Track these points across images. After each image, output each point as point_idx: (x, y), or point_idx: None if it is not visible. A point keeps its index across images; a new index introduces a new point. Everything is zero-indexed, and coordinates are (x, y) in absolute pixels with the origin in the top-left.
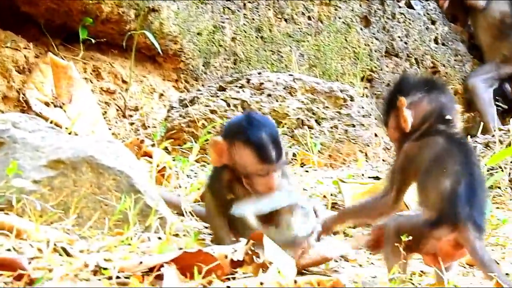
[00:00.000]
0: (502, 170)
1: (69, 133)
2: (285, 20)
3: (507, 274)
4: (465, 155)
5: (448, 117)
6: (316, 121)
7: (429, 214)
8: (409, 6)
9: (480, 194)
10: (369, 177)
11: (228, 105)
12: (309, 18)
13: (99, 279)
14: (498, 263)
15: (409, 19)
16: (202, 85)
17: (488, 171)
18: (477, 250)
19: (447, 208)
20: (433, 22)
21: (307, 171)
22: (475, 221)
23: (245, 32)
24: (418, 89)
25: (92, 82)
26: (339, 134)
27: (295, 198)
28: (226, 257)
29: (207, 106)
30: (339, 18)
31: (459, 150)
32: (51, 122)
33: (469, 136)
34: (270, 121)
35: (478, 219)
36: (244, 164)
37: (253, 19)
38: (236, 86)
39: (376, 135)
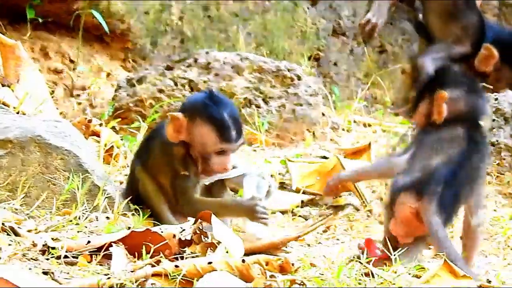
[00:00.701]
0: None
1: (17, 113)
2: None
3: None
4: (470, 153)
5: (479, 122)
6: (263, 100)
7: (407, 180)
8: None
9: (460, 186)
10: (316, 156)
11: (176, 84)
12: None
13: (47, 259)
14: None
15: None
16: (150, 65)
17: None
18: (432, 224)
19: (422, 179)
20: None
21: (254, 150)
22: (443, 201)
23: (192, 11)
24: (459, 86)
25: (39, 62)
26: (287, 113)
27: (245, 169)
28: (174, 236)
29: (154, 85)
30: None
31: (469, 146)
32: None
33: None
34: (230, 100)
35: (446, 201)
36: (203, 142)
37: None
38: (184, 65)
39: (323, 114)
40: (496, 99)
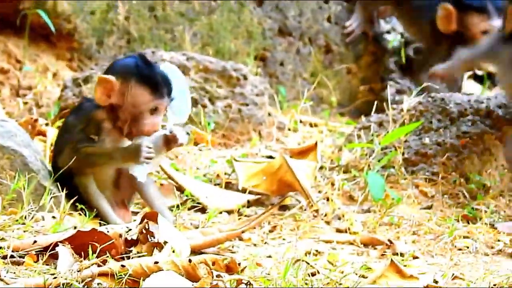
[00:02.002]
0: (396, 150)
1: None
2: None
3: (401, 254)
4: None
5: None
6: (209, 100)
7: None
8: None
9: None
10: (262, 156)
11: None
12: None
13: None
14: (392, 242)
15: None
16: (96, 64)
17: (382, 150)
18: None
19: None
20: (326, 1)
21: (201, 150)
22: None
23: (139, 11)
24: None
25: None
26: (233, 113)
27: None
28: (120, 236)
29: None
30: None
31: None
32: None
33: (362, 116)
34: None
35: None
36: (137, 101)
37: None
38: None
39: (269, 114)
40: (442, 99)
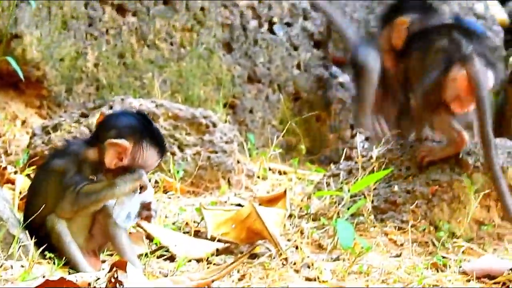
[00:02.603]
0: (365, 197)
1: None
2: (148, 46)
3: None
4: None
5: None
6: (179, 147)
7: None
8: (272, 32)
9: None
10: (231, 204)
11: (91, 131)
12: (171, 44)
13: None
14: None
15: (272, 45)
16: (65, 112)
17: (351, 198)
18: None
19: None
20: (296, 48)
21: (170, 198)
22: None
23: (108, 58)
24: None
25: None
26: (202, 161)
27: None
28: (89, 284)
29: (69, 132)
30: (202, 44)
31: None
32: None
33: (332, 164)
34: None
35: None
36: (146, 163)
37: (116, 45)
38: (99, 113)
39: (238, 161)
40: (411, 146)
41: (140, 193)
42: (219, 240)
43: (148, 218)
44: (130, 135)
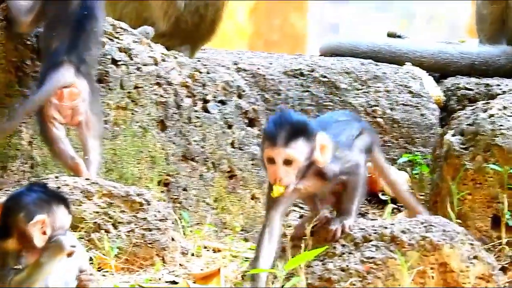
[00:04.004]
0: (300, 274)
1: None
2: None
3: None
4: None
5: None
6: (113, 225)
7: None
8: (206, 110)
9: None
10: (166, 282)
11: None
12: (105, 122)
13: None
14: None
15: (206, 123)
16: (0, 189)
17: (285, 276)
18: None
19: None
20: (230, 126)
21: (104, 275)
22: None
23: None
24: None
25: None
26: (136, 238)
27: None
28: None
29: None
30: (136, 122)
31: None
32: None
33: None
34: None
35: None
36: (62, 223)
37: None
38: None
39: (173, 239)
40: (348, 225)
41: (69, 257)
42: None
43: (86, 282)
44: (38, 208)
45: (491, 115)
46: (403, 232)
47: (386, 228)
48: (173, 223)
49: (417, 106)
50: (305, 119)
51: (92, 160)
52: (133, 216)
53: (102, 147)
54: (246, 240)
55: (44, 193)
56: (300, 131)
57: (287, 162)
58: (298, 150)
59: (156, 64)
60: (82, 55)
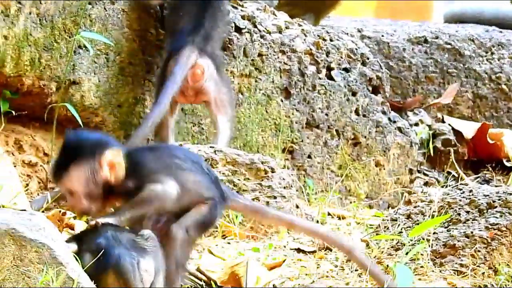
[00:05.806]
0: (425, 241)
1: None
2: None
3: None
4: None
5: None
6: (237, 192)
7: None
8: (330, 77)
9: None
10: (291, 249)
11: None
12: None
13: None
14: None
15: (330, 91)
16: None
17: (410, 241)
18: None
19: None
20: (354, 94)
21: (229, 243)
22: None
23: None
24: None
25: (14, 155)
26: None
27: None
28: None
29: None
30: (260, 89)
31: None
32: None
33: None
34: None
35: None
36: None
37: None
38: None
39: (297, 206)
40: (470, 190)
41: None
42: None
43: None
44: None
45: None
46: None
47: (510, 194)
48: (297, 190)
49: None
50: (85, 139)
51: (221, 138)
52: (258, 183)
53: (234, 123)
54: (370, 207)
55: None
56: (73, 157)
57: (71, 193)
58: (73, 179)
59: (280, 32)
60: (208, 35)
